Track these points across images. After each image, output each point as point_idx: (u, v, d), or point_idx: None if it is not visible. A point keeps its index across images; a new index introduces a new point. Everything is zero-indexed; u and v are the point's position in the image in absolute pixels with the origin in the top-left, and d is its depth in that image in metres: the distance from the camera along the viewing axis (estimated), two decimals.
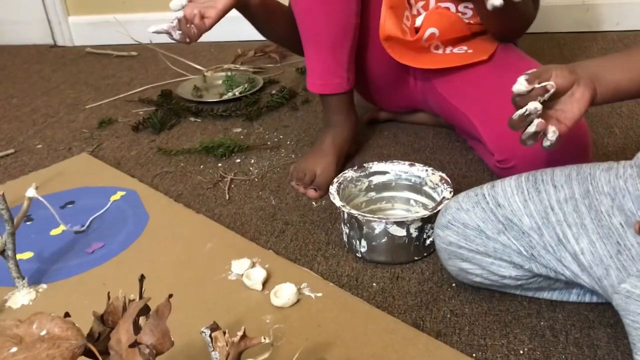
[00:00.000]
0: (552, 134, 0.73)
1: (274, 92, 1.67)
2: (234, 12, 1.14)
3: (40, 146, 1.50)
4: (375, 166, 1.08)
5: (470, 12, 1.19)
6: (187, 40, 1.08)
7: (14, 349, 0.52)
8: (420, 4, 1.20)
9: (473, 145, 1.27)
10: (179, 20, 1.07)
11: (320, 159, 1.20)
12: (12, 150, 1.48)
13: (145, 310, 0.57)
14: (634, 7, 1.78)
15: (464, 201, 0.83)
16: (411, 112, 1.42)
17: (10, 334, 0.54)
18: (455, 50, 1.21)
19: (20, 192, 1.05)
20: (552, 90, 0.74)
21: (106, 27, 2.21)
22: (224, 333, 0.51)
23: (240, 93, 1.68)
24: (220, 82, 1.77)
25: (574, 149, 0.99)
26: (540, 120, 0.72)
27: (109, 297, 0.60)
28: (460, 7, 1.19)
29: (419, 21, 1.19)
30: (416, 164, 1.07)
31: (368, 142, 1.38)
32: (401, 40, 1.16)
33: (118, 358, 0.51)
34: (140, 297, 0.58)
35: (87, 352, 0.54)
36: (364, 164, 1.08)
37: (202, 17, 1.06)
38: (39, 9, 2.28)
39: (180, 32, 1.08)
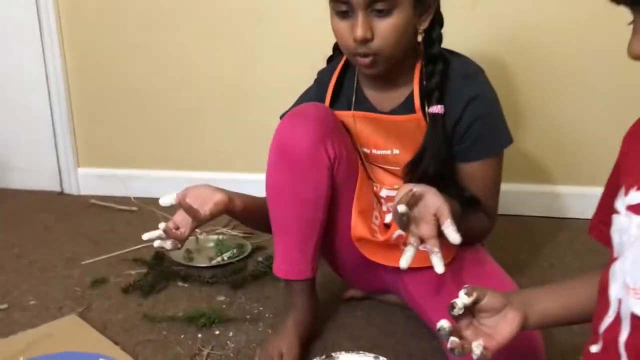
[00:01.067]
0: (477, 348, 0.81)
1: (260, 259, 1.78)
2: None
3: (33, 302, 1.58)
4: (342, 356, 1.15)
5: None
6: (179, 245, 1.22)
7: None
8: (390, 204, 1.32)
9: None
10: (165, 230, 1.20)
11: (284, 339, 1.28)
12: (5, 306, 1.55)
13: None
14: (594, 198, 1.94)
15: None
16: (384, 293, 1.51)
17: None
18: (421, 247, 1.31)
19: (7, 353, 1.12)
20: (469, 301, 0.84)
21: (112, 179, 2.37)
22: None
23: (228, 258, 1.78)
24: (211, 244, 1.89)
25: (526, 355, 1.07)
26: (452, 339, 0.82)
27: None
28: None
29: (388, 218, 1.32)
30: (380, 357, 1.14)
31: (342, 320, 1.46)
32: (369, 240, 1.27)
33: None
34: None
35: None
36: (332, 353, 1.16)
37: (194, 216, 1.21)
38: (52, 158, 2.45)
39: (169, 241, 1.21)
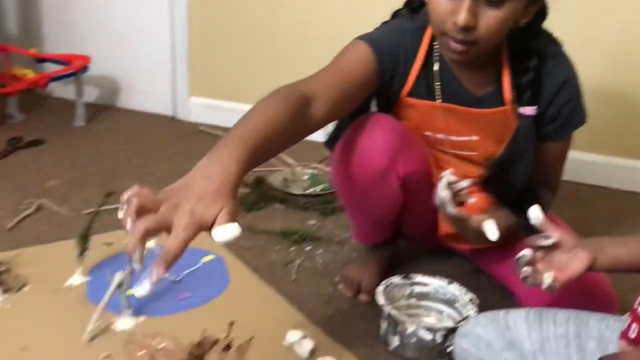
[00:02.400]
0: (547, 278, 0.93)
1: None
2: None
3: None
4: (419, 278, 1.31)
5: None
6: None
7: (142, 352, 0.77)
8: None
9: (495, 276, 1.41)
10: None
11: (365, 269, 1.41)
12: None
13: (228, 348, 0.81)
14: None
15: (482, 319, 1.05)
16: None
17: (140, 342, 0.80)
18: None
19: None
20: (549, 241, 0.95)
21: (221, 110, 2.59)
22: None
23: (321, 190, 1.96)
24: (306, 177, 2.07)
25: (598, 304, 1.12)
26: (527, 268, 0.93)
27: (202, 335, 0.85)
28: None
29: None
30: (454, 283, 1.28)
31: (417, 257, 1.60)
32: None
33: None
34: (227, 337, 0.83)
35: None
36: (410, 274, 1.31)
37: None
38: (168, 85, 2.70)
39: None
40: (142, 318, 1.24)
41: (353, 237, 1.46)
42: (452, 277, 1.32)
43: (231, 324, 0.83)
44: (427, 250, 1.60)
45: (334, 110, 1.09)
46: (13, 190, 1.85)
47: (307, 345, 1.16)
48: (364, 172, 1.21)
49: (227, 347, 0.80)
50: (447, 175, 1.09)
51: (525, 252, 0.95)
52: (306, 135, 1.06)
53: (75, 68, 2.42)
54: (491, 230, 1.07)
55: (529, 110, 1.17)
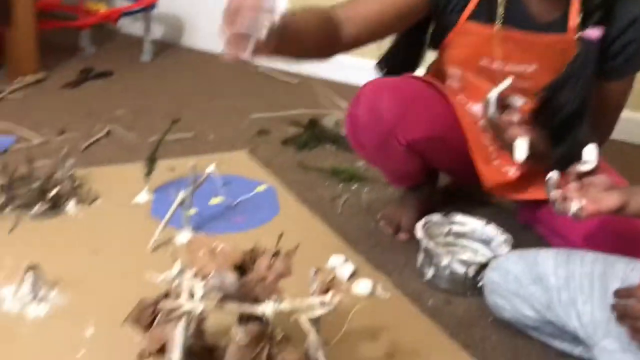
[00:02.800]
0: (574, 205, 0.97)
1: None
2: None
3: (212, 137, 1.94)
4: (458, 217, 1.38)
5: None
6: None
7: (203, 251, 0.89)
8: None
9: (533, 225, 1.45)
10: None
11: (404, 209, 1.48)
12: (190, 135, 1.93)
13: (277, 253, 0.91)
14: None
15: (513, 255, 1.12)
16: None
17: (202, 242, 0.91)
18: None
19: (184, 167, 1.45)
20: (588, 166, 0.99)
21: None
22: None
23: None
24: None
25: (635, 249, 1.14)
26: (555, 192, 0.98)
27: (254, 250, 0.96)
28: None
29: (511, 171, 1.35)
30: (491, 224, 1.35)
31: (457, 201, 1.66)
32: (502, 182, 1.34)
33: (256, 275, 0.86)
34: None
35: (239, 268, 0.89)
36: (450, 213, 1.38)
37: None
38: None
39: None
40: (199, 234, 1.37)
41: (387, 181, 1.54)
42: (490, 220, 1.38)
43: (280, 235, 0.93)
44: (468, 194, 1.67)
45: (364, 34, 1.16)
46: (85, 116, 2.00)
47: (348, 269, 1.26)
48: (369, 135, 1.29)
49: (276, 254, 0.90)
50: (508, 82, 1.11)
51: (553, 175, 0.99)
52: (333, 51, 1.15)
53: (145, 4, 2.53)
54: (521, 149, 1.09)
55: (593, 34, 1.14)
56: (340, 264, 1.28)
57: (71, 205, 1.42)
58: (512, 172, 1.34)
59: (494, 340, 1.13)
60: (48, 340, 1.01)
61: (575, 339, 1.09)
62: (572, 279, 1.03)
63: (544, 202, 1.26)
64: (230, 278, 0.80)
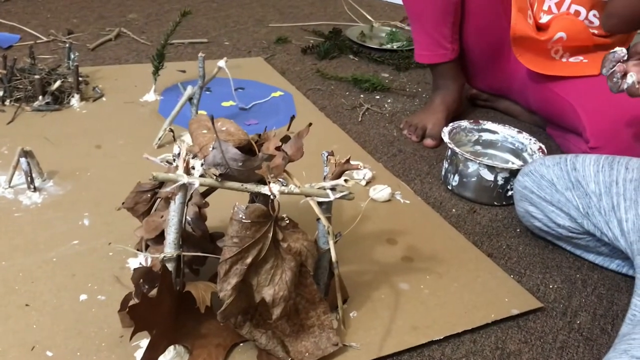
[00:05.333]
0: (630, 77, 0.89)
1: None
2: None
3: (227, 43, 1.83)
4: (488, 125, 1.27)
5: (597, 22, 1.27)
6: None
7: (205, 131, 0.79)
8: (554, 0, 1.29)
9: (561, 142, 1.37)
10: None
11: (431, 115, 1.39)
12: (205, 40, 1.82)
13: (287, 139, 0.82)
14: None
15: (548, 159, 1.01)
16: (502, 98, 1.54)
17: (203, 124, 0.82)
18: (572, 59, 1.30)
19: (208, 69, 1.36)
20: None
21: None
22: (334, 156, 0.76)
23: (397, 47, 1.90)
24: (383, 34, 2.01)
25: None
26: (620, 63, 0.90)
27: (265, 130, 0.86)
28: (590, 16, 1.28)
29: (545, 19, 1.30)
30: (523, 132, 1.24)
31: (485, 114, 1.55)
32: (528, 39, 1.26)
33: (263, 155, 0.77)
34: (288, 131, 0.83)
35: (244, 147, 0.80)
36: (480, 120, 1.27)
37: None
38: None
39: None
40: None
41: (415, 58, 1.42)
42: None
43: (292, 117, 0.84)
44: (495, 102, 1.56)
45: None
46: (96, 19, 1.89)
47: (366, 174, 1.17)
48: None
49: (286, 138, 0.81)
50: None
51: (620, 49, 0.91)
52: None
53: None
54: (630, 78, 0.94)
55: None
56: (357, 172, 1.18)
57: (75, 101, 1.33)
58: (542, 37, 1.27)
59: (521, 251, 1.04)
60: (42, 227, 0.94)
61: (611, 252, 1.00)
62: (614, 184, 0.93)
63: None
64: (233, 151, 0.71)
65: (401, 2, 1.39)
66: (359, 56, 1.83)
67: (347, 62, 1.79)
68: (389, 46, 1.91)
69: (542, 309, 0.90)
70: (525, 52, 1.31)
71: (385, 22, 2.11)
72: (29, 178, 1.01)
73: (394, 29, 2.02)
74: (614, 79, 0.91)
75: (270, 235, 0.71)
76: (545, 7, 1.32)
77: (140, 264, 0.87)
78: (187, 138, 1.24)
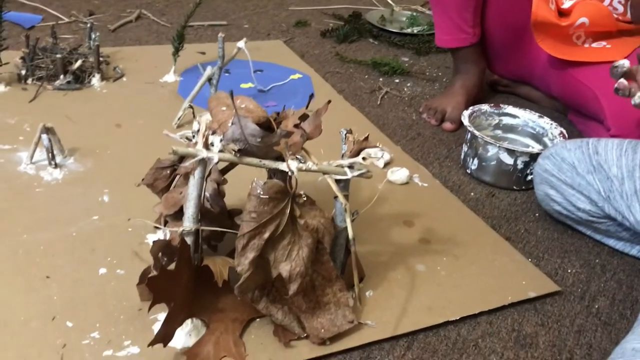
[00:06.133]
0: (638, 98, 0.87)
1: None
2: None
3: (246, 26, 1.83)
4: (509, 109, 1.25)
5: (621, 8, 1.25)
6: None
7: (224, 108, 0.80)
8: None
9: (583, 128, 1.35)
10: None
11: (451, 98, 1.38)
12: (225, 22, 1.82)
13: (305, 117, 0.82)
14: None
15: (570, 143, 1.00)
16: (523, 84, 1.51)
17: (223, 101, 0.82)
18: (594, 45, 1.28)
19: (227, 51, 1.35)
20: None
21: None
22: (352, 134, 0.76)
23: (418, 31, 1.88)
24: (404, 18, 1.99)
25: None
26: (622, 80, 0.88)
27: (283, 109, 0.86)
28: (614, 2, 1.26)
29: (567, 4, 1.27)
30: (544, 117, 1.22)
31: (506, 99, 1.54)
32: (550, 24, 1.24)
33: (282, 132, 0.77)
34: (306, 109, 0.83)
35: (263, 124, 0.80)
36: (500, 104, 1.26)
37: None
38: None
39: None
40: None
41: (436, 42, 1.41)
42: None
43: (311, 95, 0.84)
44: (516, 88, 1.54)
45: None
46: (117, 1, 1.90)
47: (384, 155, 1.17)
48: None
49: (305, 116, 0.81)
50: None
51: (623, 62, 0.89)
52: None
53: None
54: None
55: None
56: (376, 152, 1.18)
57: (95, 80, 1.34)
58: (564, 23, 1.25)
59: (540, 235, 1.03)
60: (62, 202, 0.95)
61: (632, 237, 0.99)
62: (637, 168, 0.91)
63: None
64: (252, 127, 0.71)
65: None
66: (378, 40, 1.81)
67: (367, 46, 1.78)
68: (409, 30, 1.89)
69: (559, 292, 0.90)
70: (546, 38, 1.28)
71: (406, 6, 2.09)
72: (50, 154, 1.02)
73: (414, 13, 2.00)
74: (620, 93, 0.90)
75: (288, 211, 0.71)
76: None
77: (159, 239, 0.88)
78: (205, 117, 1.24)
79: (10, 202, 0.94)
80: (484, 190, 1.14)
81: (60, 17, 1.70)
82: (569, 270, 0.95)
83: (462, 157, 1.21)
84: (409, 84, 1.56)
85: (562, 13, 1.29)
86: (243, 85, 1.43)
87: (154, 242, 0.74)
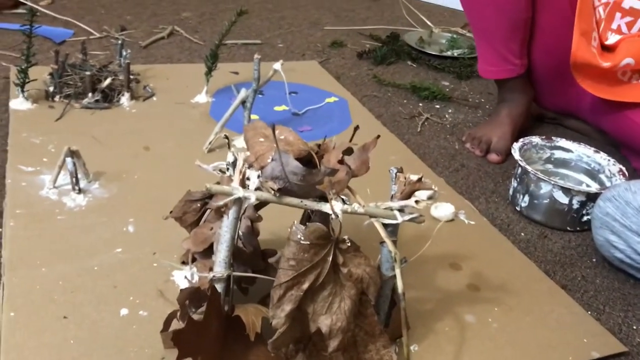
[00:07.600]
0: None
1: None
2: None
3: (281, 45, 1.77)
4: (562, 142, 1.17)
5: None
6: None
7: (262, 140, 0.73)
8: (625, 20, 1.17)
9: (638, 166, 1.25)
10: None
11: (497, 128, 1.29)
12: (259, 41, 1.76)
13: (350, 151, 0.75)
14: None
15: (634, 184, 0.91)
16: (571, 117, 1.43)
17: (260, 131, 0.75)
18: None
19: (262, 72, 1.30)
20: None
21: None
22: (403, 174, 0.69)
23: (458, 55, 1.81)
24: (444, 40, 1.92)
25: None
26: None
27: (324, 141, 0.79)
28: None
29: (612, 39, 1.18)
30: (600, 152, 1.13)
31: (554, 129, 1.45)
32: (590, 65, 1.16)
33: (325, 169, 0.70)
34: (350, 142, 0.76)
35: (303, 159, 0.73)
36: (552, 137, 1.17)
37: None
38: None
39: None
40: None
41: (480, 73, 1.34)
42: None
43: (356, 128, 0.77)
44: (564, 121, 1.45)
45: None
46: (149, 16, 1.87)
47: (434, 196, 1.09)
48: None
49: (349, 150, 0.74)
50: None
51: None
52: None
53: None
54: None
55: None
56: (428, 195, 1.10)
57: (125, 99, 1.29)
58: (605, 65, 1.16)
59: (599, 284, 0.94)
60: (84, 232, 0.89)
61: None
62: None
63: None
64: (294, 164, 0.64)
65: (461, 8, 1.30)
66: (417, 63, 1.74)
67: (405, 69, 1.71)
68: (449, 53, 1.82)
69: (626, 353, 0.81)
70: (586, 79, 1.20)
71: (446, 28, 2.02)
72: (74, 179, 0.96)
73: (454, 35, 1.93)
74: None
75: (330, 259, 0.64)
76: (614, 26, 1.19)
77: (186, 277, 0.81)
78: (238, 142, 1.18)
79: (30, 230, 0.88)
80: (535, 230, 1.06)
81: (92, 32, 1.66)
82: (634, 327, 0.86)
83: (510, 192, 1.12)
84: (450, 110, 1.48)
85: (606, 48, 1.20)
86: (277, 108, 1.37)
87: (181, 290, 0.67)
